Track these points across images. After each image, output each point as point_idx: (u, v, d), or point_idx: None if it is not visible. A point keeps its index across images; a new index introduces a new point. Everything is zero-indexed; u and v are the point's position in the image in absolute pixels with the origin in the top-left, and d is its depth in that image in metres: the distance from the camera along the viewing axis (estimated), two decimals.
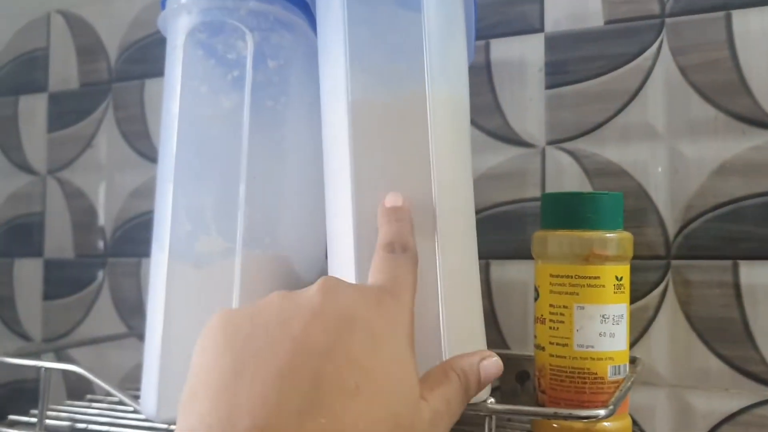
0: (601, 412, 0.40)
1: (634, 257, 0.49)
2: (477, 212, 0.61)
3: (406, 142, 0.40)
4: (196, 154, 0.46)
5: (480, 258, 0.60)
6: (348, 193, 0.40)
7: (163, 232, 0.45)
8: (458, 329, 0.40)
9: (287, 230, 0.47)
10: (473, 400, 0.41)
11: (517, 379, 0.59)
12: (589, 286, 0.48)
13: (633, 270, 0.50)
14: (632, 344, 0.56)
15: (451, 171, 0.41)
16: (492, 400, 0.42)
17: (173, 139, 0.46)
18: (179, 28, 0.46)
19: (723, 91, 0.55)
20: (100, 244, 0.77)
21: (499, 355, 0.59)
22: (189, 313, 0.45)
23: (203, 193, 0.45)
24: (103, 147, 0.77)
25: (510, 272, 0.60)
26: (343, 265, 0.41)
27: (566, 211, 0.49)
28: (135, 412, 0.52)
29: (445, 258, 0.40)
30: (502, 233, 0.61)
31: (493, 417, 0.42)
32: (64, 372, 0.54)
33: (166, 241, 0.45)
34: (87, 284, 0.77)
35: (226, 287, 0.44)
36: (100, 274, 0.76)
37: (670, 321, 0.55)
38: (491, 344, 0.60)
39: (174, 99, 0.46)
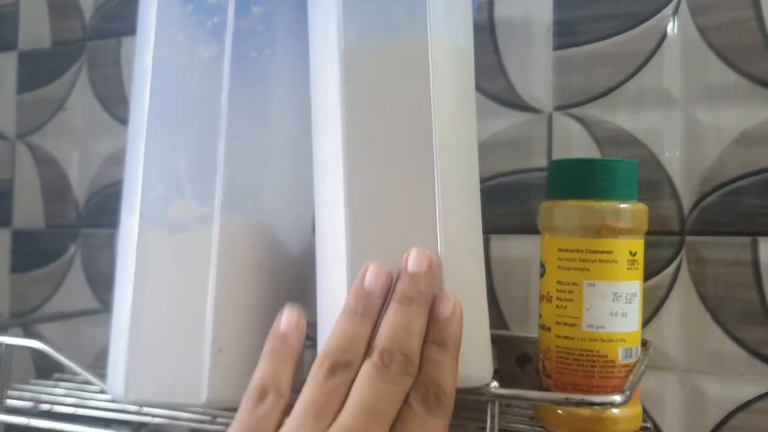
0: (617, 398, 0.37)
1: (646, 233, 0.45)
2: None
3: (405, 95, 0.36)
4: (171, 109, 0.41)
5: None
6: (339, 154, 0.36)
7: (134, 195, 0.41)
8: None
9: (271, 195, 0.43)
10: (475, 384, 0.37)
11: (518, 362, 0.55)
12: (601, 261, 0.44)
13: (645, 246, 0.47)
14: (643, 325, 0.52)
15: (454, 128, 0.37)
16: (495, 384, 0.38)
17: (146, 93, 0.41)
18: None
19: (745, 54, 0.51)
20: (73, 214, 0.73)
21: (499, 336, 0.57)
22: (161, 284, 0.41)
23: (178, 152, 0.41)
24: (76, 110, 0.73)
25: (512, 248, 0.56)
26: (332, 236, 0.37)
27: (577, 180, 0.45)
28: (103, 392, 0.48)
29: (446, 225, 0.36)
30: (504, 206, 0.57)
31: (496, 402, 0.38)
32: (32, 349, 0.50)
33: (136, 205, 0.41)
34: (58, 256, 0.73)
35: (203, 256, 0.40)
36: (72, 246, 0.72)
37: (683, 301, 0.52)
38: (491, 325, 0.57)
39: (147, 48, 0.41)
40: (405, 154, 0.36)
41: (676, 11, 0.53)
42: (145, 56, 0.41)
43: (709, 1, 0.52)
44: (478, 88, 0.57)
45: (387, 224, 0.35)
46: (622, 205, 0.44)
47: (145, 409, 0.49)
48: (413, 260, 0.34)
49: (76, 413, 0.50)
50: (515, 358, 0.55)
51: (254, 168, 0.42)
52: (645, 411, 0.52)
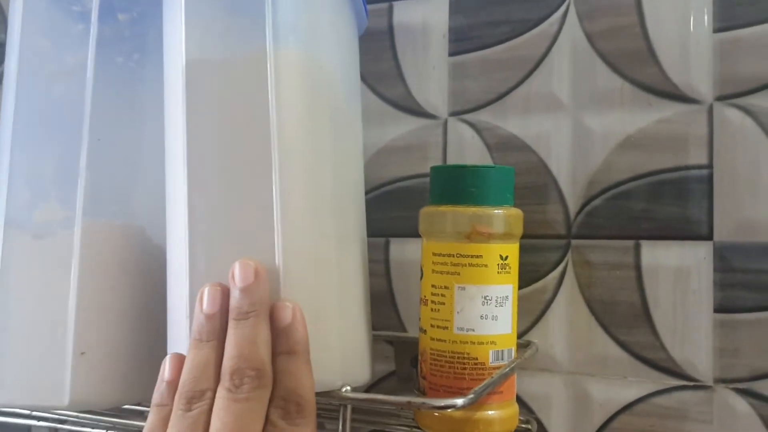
0: (459, 401, 0.37)
1: (534, 236, 0.46)
2: (376, 187, 0.57)
3: (246, 107, 0.36)
4: (37, 115, 0.42)
5: (379, 236, 0.57)
6: (181, 164, 0.37)
7: (0, 201, 0.42)
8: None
9: (141, 198, 0.44)
10: (328, 388, 0.38)
11: (413, 364, 0.56)
12: (471, 265, 0.45)
13: (532, 250, 0.47)
14: (529, 328, 0.53)
15: (300, 141, 0.37)
16: (348, 388, 0.39)
17: (12, 99, 0.42)
18: None
19: (630, 59, 0.51)
20: None
21: (396, 338, 0.57)
22: (26, 288, 0.41)
23: (43, 158, 0.42)
24: None
25: (410, 251, 0.57)
26: (176, 245, 0.37)
27: (450, 186, 0.46)
28: None
29: (286, 234, 0.36)
30: (402, 210, 0.57)
31: (348, 406, 0.39)
32: None
33: (1, 210, 0.41)
34: None
35: (66, 259, 0.41)
36: None
37: (568, 304, 0.52)
38: (389, 327, 0.57)
39: (13, 54, 0.42)
40: (245, 165, 0.36)
41: (564, 17, 0.53)
42: (11, 62, 0.42)
43: (596, 7, 0.52)
44: (379, 94, 0.58)
45: (227, 234, 0.36)
46: (494, 211, 0.45)
47: (36, 413, 0.49)
48: (239, 275, 0.34)
49: None
50: (410, 359, 0.56)
51: (120, 171, 0.43)
52: (532, 412, 0.53)
